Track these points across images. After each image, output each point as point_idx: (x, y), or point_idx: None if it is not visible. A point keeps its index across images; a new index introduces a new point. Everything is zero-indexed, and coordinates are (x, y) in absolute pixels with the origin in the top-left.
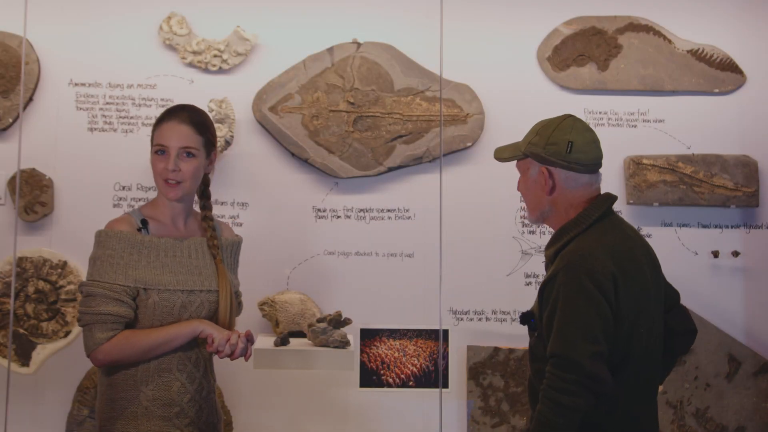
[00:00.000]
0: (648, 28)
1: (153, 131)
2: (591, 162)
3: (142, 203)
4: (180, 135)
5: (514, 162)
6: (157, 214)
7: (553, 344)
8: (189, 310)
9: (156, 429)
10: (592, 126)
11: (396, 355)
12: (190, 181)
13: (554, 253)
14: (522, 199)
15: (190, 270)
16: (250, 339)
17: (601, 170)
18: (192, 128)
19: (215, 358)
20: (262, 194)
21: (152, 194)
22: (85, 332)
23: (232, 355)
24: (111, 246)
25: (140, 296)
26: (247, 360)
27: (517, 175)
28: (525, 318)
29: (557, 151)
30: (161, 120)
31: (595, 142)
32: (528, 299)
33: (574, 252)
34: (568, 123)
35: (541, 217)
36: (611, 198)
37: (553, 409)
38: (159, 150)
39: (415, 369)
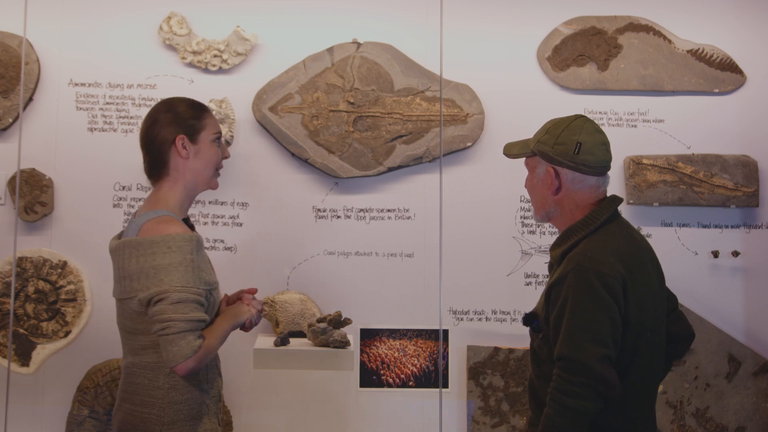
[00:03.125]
0: (648, 28)
1: (204, 119)
2: (599, 164)
3: (142, 203)
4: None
5: (522, 159)
6: (178, 213)
7: (561, 347)
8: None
9: (214, 427)
10: None
11: (396, 355)
12: None
13: (561, 254)
14: (527, 197)
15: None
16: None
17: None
18: None
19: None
20: (262, 194)
21: None
22: (177, 340)
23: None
24: (189, 250)
25: (207, 296)
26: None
27: (518, 175)
28: (528, 319)
29: (565, 152)
30: (209, 110)
31: (604, 144)
32: (528, 299)
33: (583, 254)
34: (579, 123)
35: (546, 217)
36: (618, 200)
37: (561, 412)
38: (218, 138)
39: (415, 369)
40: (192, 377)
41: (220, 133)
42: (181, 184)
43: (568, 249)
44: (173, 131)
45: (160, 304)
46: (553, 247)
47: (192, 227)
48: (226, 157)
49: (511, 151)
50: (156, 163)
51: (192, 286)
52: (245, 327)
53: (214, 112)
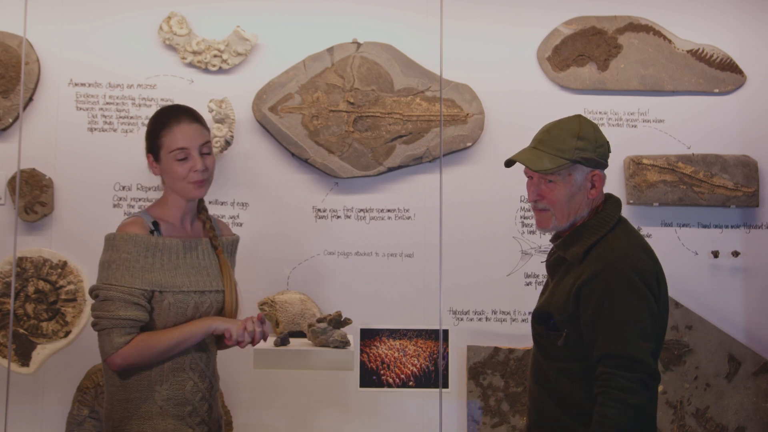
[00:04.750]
0: (648, 28)
1: (160, 137)
2: None
3: (142, 203)
4: (196, 134)
5: (521, 165)
6: (165, 216)
7: (607, 344)
8: (200, 311)
9: (171, 428)
10: None
11: (396, 355)
12: (212, 176)
13: (583, 252)
14: (535, 205)
15: (199, 271)
16: (262, 321)
17: None
18: (200, 125)
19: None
20: (262, 194)
21: (153, 194)
22: (102, 336)
23: (252, 342)
24: (127, 249)
25: (155, 298)
26: (265, 341)
27: (518, 175)
28: (542, 318)
29: (604, 153)
30: (169, 124)
31: None
32: (528, 299)
33: (615, 252)
34: (594, 123)
35: (570, 224)
36: (619, 199)
37: (620, 409)
38: (181, 156)
39: (415, 369)
40: (142, 378)
41: (181, 149)
42: (167, 191)
43: (589, 247)
44: (146, 148)
45: (95, 301)
46: (567, 246)
47: (212, 228)
48: (200, 170)
49: (542, 166)
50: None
51: (124, 284)
52: (237, 342)
53: (213, 113)
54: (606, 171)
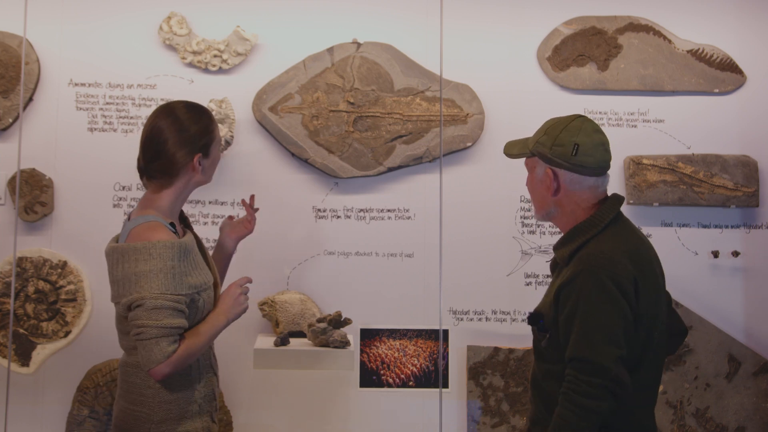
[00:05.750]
0: (648, 28)
1: (213, 131)
2: (597, 165)
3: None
4: None
5: (522, 158)
6: (167, 216)
7: (575, 347)
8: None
9: (206, 426)
10: None
11: (396, 355)
12: None
13: (569, 254)
14: (527, 197)
15: (204, 264)
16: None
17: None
18: None
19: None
20: (262, 194)
21: None
22: (150, 346)
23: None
24: (170, 257)
25: (193, 300)
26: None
27: (518, 175)
28: (533, 318)
29: (563, 153)
30: (212, 118)
31: (603, 144)
32: (528, 299)
33: (594, 255)
34: (577, 124)
35: (546, 216)
36: (620, 199)
37: (576, 412)
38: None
39: (415, 369)
40: (183, 377)
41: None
42: (182, 189)
43: (575, 249)
44: (191, 151)
45: (137, 310)
46: (558, 247)
47: (189, 226)
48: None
49: (511, 151)
50: (164, 176)
51: (170, 292)
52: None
53: (214, 113)
54: (608, 171)
